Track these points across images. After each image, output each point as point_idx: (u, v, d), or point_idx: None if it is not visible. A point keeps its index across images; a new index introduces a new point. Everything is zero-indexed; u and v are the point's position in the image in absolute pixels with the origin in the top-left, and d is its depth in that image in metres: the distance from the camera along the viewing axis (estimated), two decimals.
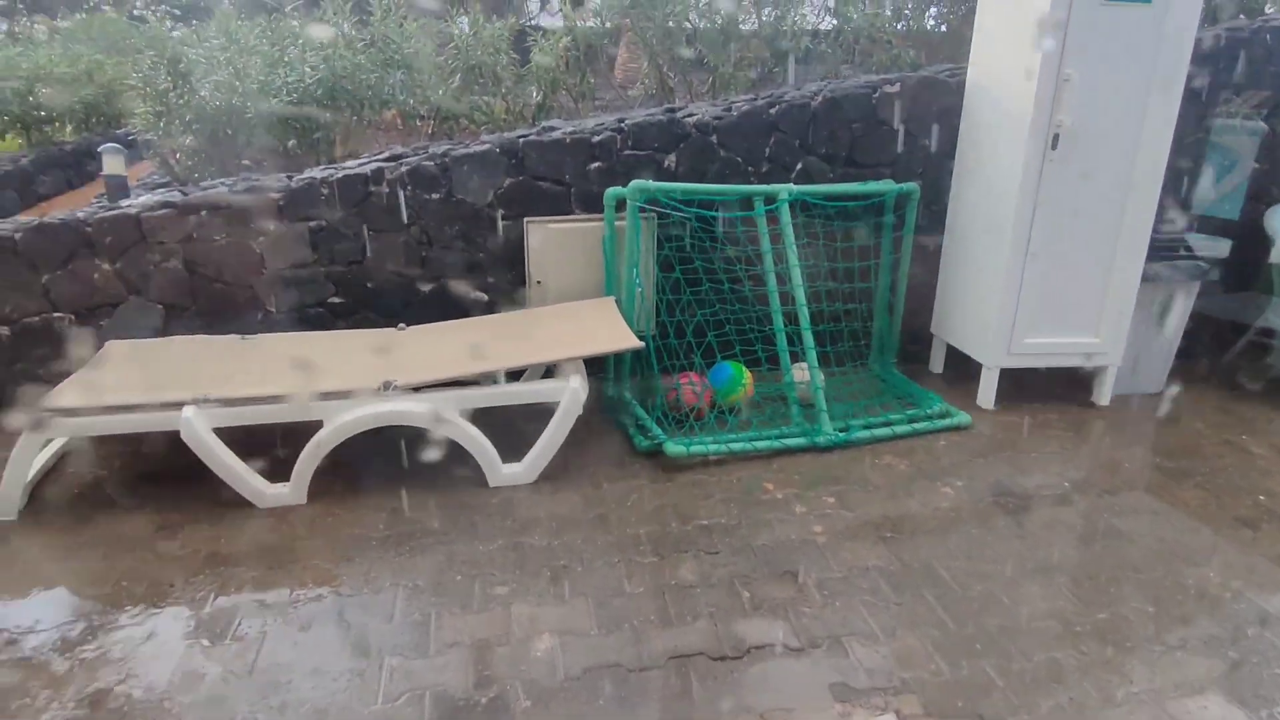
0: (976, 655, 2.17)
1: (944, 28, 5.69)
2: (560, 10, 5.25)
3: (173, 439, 2.82)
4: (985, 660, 2.15)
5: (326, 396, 2.88)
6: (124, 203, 3.38)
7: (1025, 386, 3.84)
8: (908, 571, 2.54)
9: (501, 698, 2.02)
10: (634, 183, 3.36)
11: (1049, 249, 3.46)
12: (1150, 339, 3.77)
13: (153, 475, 3.11)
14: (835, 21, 6.03)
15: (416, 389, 2.95)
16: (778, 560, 2.60)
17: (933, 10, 5.74)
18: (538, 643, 2.22)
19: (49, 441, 2.97)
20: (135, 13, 10.58)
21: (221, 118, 4.75)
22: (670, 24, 5.43)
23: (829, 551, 2.64)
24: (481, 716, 1.97)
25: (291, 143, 5.07)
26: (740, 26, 5.56)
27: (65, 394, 2.85)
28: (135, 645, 2.20)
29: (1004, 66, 3.47)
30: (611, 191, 3.48)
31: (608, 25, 5.50)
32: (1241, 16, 4.65)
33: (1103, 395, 3.76)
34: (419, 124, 5.45)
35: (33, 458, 2.79)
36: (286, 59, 4.82)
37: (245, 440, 2.89)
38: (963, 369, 3.95)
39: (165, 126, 4.90)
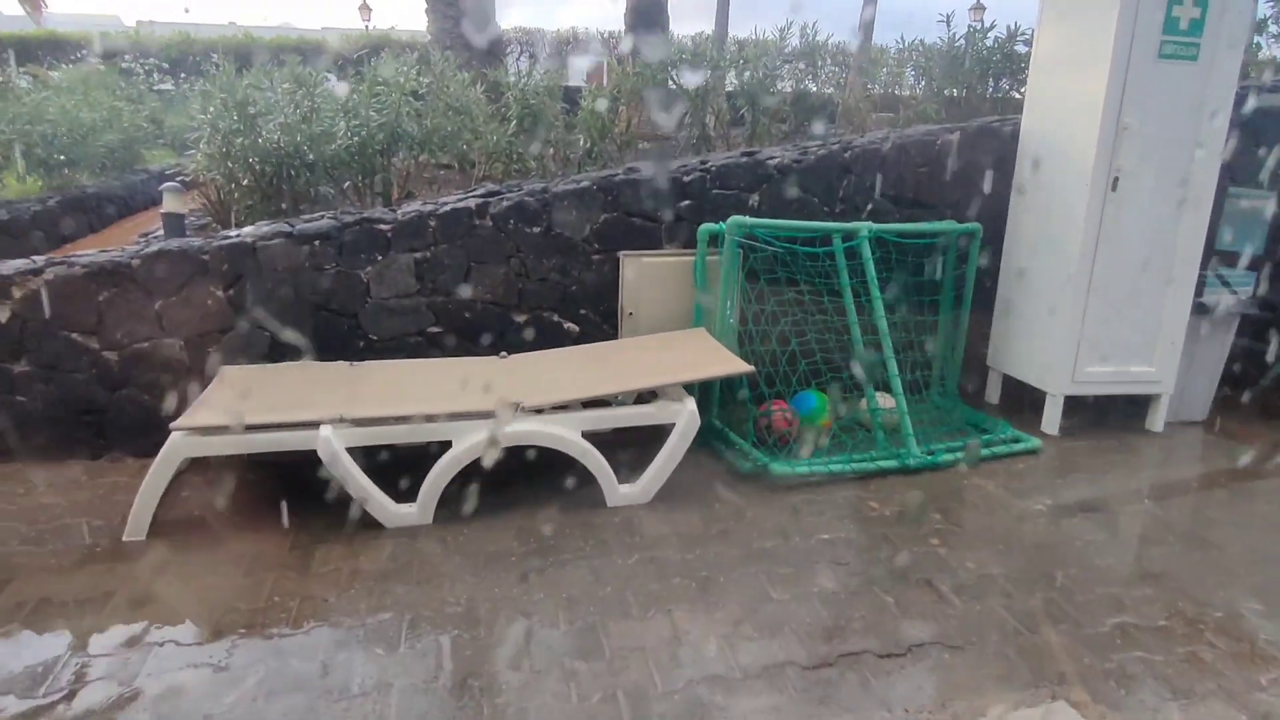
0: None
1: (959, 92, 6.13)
2: (606, 62, 5.56)
3: (275, 462, 2.87)
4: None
5: (455, 418, 2.97)
6: (236, 232, 3.45)
7: (1077, 413, 4.04)
8: (1029, 575, 2.68)
9: (691, 693, 2.09)
10: (733, 218, 3.55)
11: (1109, 284, 3.72)
12: (1197, 369, 4.04)
13: (265, 498, 3.13)
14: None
15: (539, 411, 3.05)
16: (908, 570, 2.72)
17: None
18: (707, 645, 2.30)
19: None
20: (124, 65, 10.68)
21: (286, 159, 4.87)
22: (710, 80, 5.77)
23: (953, 561, 2.78)
24: (678, 708, 2.04)
25: (346, 184, 5.21)
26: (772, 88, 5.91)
27: (199, 415, 2.88)
28: (311, 654, 2.23)
29: (1062, 115, 3.78)
30: (705, 227, 3.67)
31: (655, 78, 5.80)
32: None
33: (1156, 422, 3.99)
34: (471, 170, 5.62)
35: (167, 478, 2.80)
36: (350, 105, 4.97)
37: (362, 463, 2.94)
38: (1017, 398, 4.18)
39: (225, 167, 4.98)
